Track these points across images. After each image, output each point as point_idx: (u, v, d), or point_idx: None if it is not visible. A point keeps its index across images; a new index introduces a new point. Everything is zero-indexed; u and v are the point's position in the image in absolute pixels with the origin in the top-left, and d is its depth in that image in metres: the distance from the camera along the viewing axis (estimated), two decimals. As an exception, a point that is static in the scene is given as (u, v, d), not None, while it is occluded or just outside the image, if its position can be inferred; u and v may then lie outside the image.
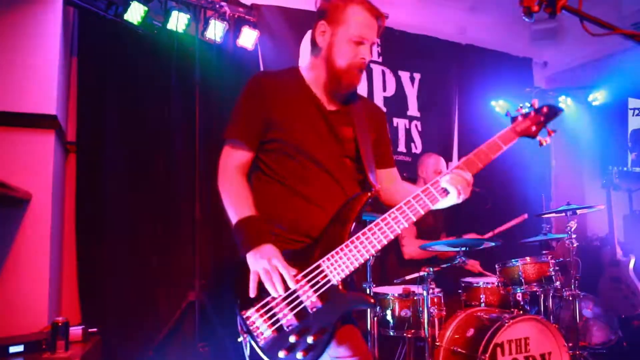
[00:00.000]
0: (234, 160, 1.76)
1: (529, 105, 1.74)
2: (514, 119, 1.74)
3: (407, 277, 3.11)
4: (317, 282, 1.56)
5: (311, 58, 1.84)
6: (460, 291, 3.32)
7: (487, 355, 2.55)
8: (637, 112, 5.29)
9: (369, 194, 1.67)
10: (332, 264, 1.57)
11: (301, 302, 1.55)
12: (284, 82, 1.81)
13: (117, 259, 3.54)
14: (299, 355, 1.51)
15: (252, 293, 1.57)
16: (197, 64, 3.70)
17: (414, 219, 1.62)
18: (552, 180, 5.81)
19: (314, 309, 1.55)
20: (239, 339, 1.61)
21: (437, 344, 2.87)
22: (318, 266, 1.58)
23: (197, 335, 3.33)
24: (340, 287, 1.56)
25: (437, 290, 3.01)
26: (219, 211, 1.73)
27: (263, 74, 1.86)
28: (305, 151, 1.72)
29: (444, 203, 1.70)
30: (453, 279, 3.50)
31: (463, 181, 1.63)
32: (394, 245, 3.77)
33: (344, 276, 1.56)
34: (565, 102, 5.57)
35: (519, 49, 5.50)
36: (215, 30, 3.78)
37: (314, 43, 1.82)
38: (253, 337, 1.56)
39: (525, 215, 3.77)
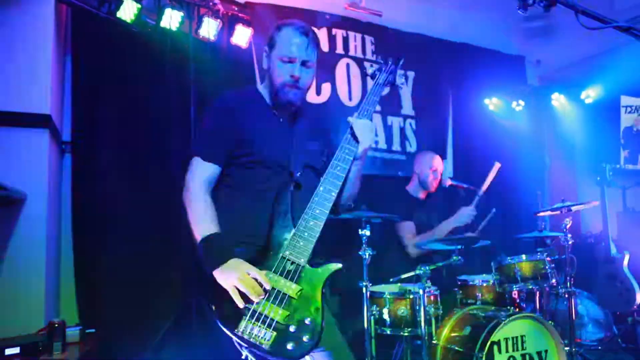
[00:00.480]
0: (200, 177, 1.85)
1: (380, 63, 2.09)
2: (373, 76, 2.05)
3: (404, 276, 3.11)
4: (289, 271, 1.69)
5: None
6: (456, 289, 3.33)
7: (484, 353, 2.57)
8: (629, 109, 5.31)
9: (292, 183, 1.84)
10: (293, 250, 1.71)
11: (284, 294, 1.65)
12: (247, 101, 1.96)
13: (114, 258, 3.52)
14: (305, 338, 1.61)
15: (241, 304, 1.62)
16: (191, 62, 3.69)
17: (343, 175, 1.82)
18: (546, 178, 5.84)
19: (298, 294, 1.66)
20: (242, 357, 1.64)
21: (434, 342, 2.88)
22: (283, 257, 1.70)
23: (195, 335, 3.32)
24: (309, 266, 1.71)
25: (433, 288, 3.02)
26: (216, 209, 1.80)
27: (228, 94, 1.99)
28: (274, 163, 1.89)
29: (359, 149, 1.90)
30: (449, 276, 3.51)
31: (365, 125, 1.89)
32: (392, 244, 3.78)
33: (307, 255, 1.70)
34: (558, 100, 5.60)
35: (512, 48, 5.51)
36: (209, 28, 3.76)
37: (263, 69, 2.01)
38: (257, 347, 1.59)
39: (499, 164, 3.74)
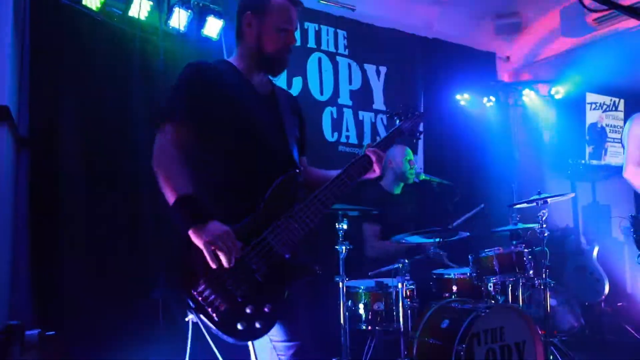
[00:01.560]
0: (173, 140, 1.75)
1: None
2: (399, 118, 2.16)
3: (383, 270, 3.08)
4: (264, 253, 1.65)
5: (239, 49, 1.96)
6: (431, 283, 3.31)
7: (463, 346, 2.55)
8: (594, 106, 5.44)
9: (298, 172, 1.84)
10: (275, 236, 1.67)
11: (252, 272, 1.62)
12: (219, 70, 1.90)
13: (75, 257, 3.36)
14: (258, 324, 1.57)
15: (214, 264, 1.56)
16: (161, 54, 3.57)
17: (351, 184, 1.83)
18: (515, 172, 5.92)
19: (265, 278, 1.62)
20: (187, 319, 1.63)
21: (411, 336, 2.85)
22: (264, 239, 1.66)
23: (162, 335, 3.21)
24: (285, 257, 1.68)
25: (409, 282, 2.99)
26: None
27: (200, 63, 1.92)
28: (249, 131, 1.83)
29: (368, 175, 1.95)
30: (424, 270, 3.49)
31: (383, 155, 1.96)
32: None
33: (288, 247, 1.68)
34: (528, 96, 5.69)
35: (483, 44, 5.57)
36: (180, 19, 3.64)
37: (241, 35, 1.94)
38: (206, 314, 1.55)
39: (482, 205, 3.78)
